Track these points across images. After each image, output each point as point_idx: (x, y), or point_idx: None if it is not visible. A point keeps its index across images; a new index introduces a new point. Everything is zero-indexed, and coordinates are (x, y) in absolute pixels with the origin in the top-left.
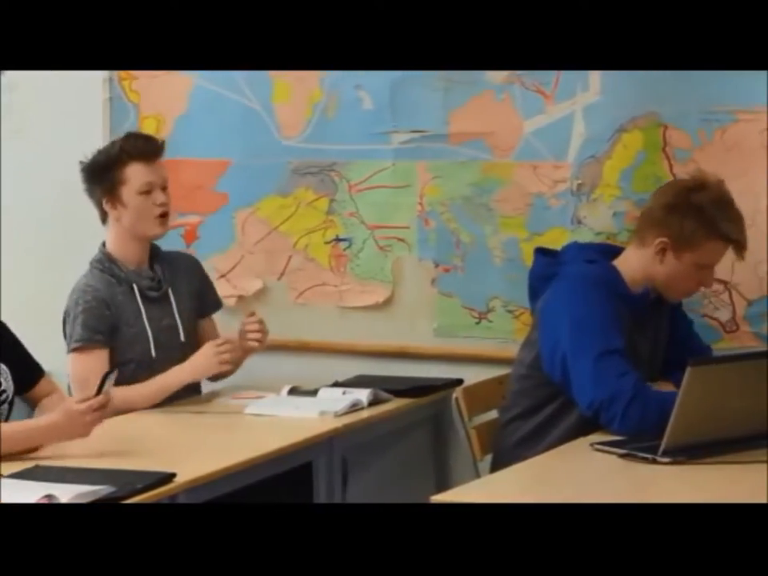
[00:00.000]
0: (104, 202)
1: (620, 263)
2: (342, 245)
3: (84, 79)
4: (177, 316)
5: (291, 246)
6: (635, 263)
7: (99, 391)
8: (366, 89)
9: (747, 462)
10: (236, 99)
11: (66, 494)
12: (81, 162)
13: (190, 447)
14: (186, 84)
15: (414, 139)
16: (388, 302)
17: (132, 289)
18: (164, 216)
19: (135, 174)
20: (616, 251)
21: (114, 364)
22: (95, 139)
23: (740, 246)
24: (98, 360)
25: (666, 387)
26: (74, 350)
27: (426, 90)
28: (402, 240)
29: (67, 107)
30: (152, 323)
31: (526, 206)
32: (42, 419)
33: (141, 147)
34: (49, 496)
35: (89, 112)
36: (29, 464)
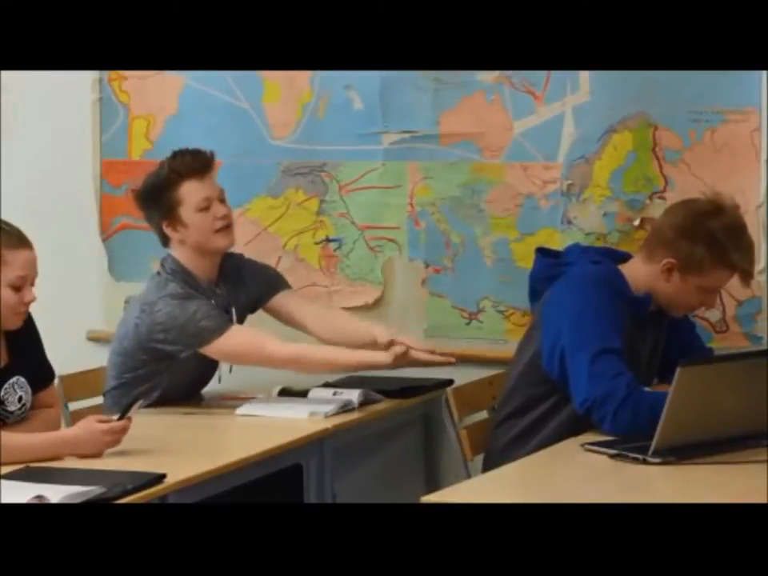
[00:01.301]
0: (164, 225)
1: (625, 271)
2: (333, 245)
3: (74, 80)
4: None
5: (281, 247)
6: (640, 276)
7: (122, 416)
8: (356, 89)
9: (737, 462)
10: (226, 100)
11: (56, 494)
12: (132, 191)
13: (180, 448)
14: (176, 84)
15: (404, 140)
16: (378, 303)
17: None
18: (227, 227)
19: (190, 192)
20: (618, 256)
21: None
22: (85, 140)
23: (747, 276)
24: (240, 331)
25: (664, 390)
26: (215, 339)
27: (416, 90)
28: (392, 240)
29: (57, 108)
30: None
31: (516, 206)
32: (65, 432)
33: (189, 164)
34: (39, 496)
35: (78, 112)
36: (19, 464)
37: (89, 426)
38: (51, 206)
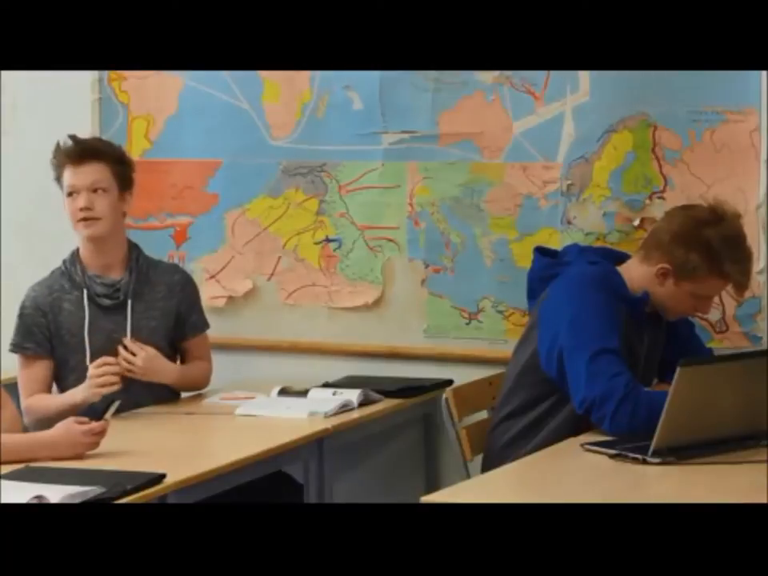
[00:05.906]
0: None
1: (622, 271)
2: (332, 245)
3: (74, 80)
4: (129, 330)
5: (281, 247)
6: (636, 276)
7: (100, 417)
8: (355, 89)
9: (737, 462)
10: (226, 100)
11: (56, 494)
12: None
13: (180, 448)
14: (176, 84)
15: (403, 140)
16: (378, 303)
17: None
18: (86, 220)
19: (66, 178)
20: (616, 256)
21: (56, 370)
22: None
23: (741, 287)
24: (28, 368)
25: (663, 390)
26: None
27: (415, 90)
28: (392, 240)
29: (57, 108)
30: (99, 334)
31: (515, 206)
32: (43, 434)
33: (69, 151)
34: (39, 497)
35: (78, 113)
36: (19, 465)
37: (67, 427)
38: (51, 206)
